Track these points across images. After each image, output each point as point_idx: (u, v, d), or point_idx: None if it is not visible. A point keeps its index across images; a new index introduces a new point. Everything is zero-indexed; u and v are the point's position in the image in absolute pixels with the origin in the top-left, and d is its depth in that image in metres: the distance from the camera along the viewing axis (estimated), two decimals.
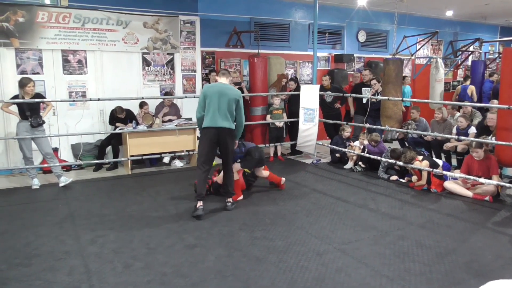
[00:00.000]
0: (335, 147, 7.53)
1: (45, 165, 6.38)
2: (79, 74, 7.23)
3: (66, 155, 7.24)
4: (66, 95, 7.12)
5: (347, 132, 7.49)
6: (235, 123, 5.02)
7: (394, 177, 6.42)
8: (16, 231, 4.39)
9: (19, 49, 6.70)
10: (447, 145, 6.67)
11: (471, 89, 9.65)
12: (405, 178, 6.36)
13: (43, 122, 6.02)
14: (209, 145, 4.87)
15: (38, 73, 6.81)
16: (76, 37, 7.07)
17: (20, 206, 5.24)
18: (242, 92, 7.84)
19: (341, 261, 3.68)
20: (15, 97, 5.94)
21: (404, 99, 7.23)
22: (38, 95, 6.08)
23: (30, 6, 6.64)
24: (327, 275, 3.43)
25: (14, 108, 6.00)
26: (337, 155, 7.49)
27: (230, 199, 5.13)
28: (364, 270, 3.51)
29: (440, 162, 6.24)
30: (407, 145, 7.10)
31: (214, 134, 4.83)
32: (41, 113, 6.06)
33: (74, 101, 7.05)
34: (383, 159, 6.43)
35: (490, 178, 5.35)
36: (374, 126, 6.96)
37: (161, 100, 7.58)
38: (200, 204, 4.82)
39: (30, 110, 5.88)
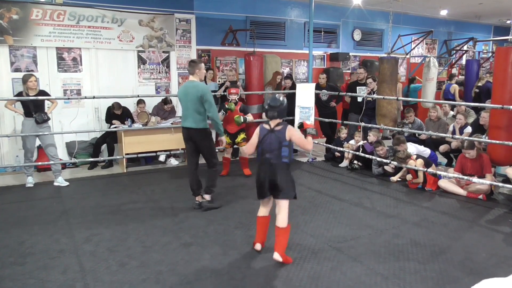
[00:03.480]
0: (330, 146, 7.56)
1: (40, 163, 6.35)
2: (74, 72, 7.20)
3: (61, 153, 7.17)
4: (61, 93, 7.08)
5: (343, 134, 7.53)
6: (209, 121, 4.92)
7: (391, 166, 6.40)
8: (10, 230, 4.36)
9: (13, 47, 6.65)
10: (442, 148, 6.77)
11: (454, 88, 9.74)
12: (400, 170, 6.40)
13: (48, 118, 6.00)
14: (187, 144, 5.01)
15: (32, 70, 6.76)
16: (71, 34, 7.03)
17: (14, 205, 5.21)
18: None
19: (336, 259, 3.70)
20: (19, 94, 5.91)
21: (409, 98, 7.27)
22: (43, 92, 6.04)
23: (24, 3, 6.59)
24: (322, 273, 3.44)
25: (18, 106, 5.98)
26: (336, 154, 7.50)
27: (207, 196, 5.11)
28: (359, 268, 3.53)
29: (427, 150, 6.32)
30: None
31: (186, 134, 4.94)
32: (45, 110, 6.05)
33: (69, 99, 7.02)
34: (378, 158, 6.45)
35: (483, 177, 5.39)
36: (370, 125, 6.98)
37: (161, 102, 7.54)
38: (196, 199, 5.05)
39: (35, 107, 5.86)
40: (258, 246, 3.85)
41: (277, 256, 3.55)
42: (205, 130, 4.91)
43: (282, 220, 3.62)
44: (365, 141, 7.03)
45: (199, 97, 4.71)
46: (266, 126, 3.68)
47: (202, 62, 5.09)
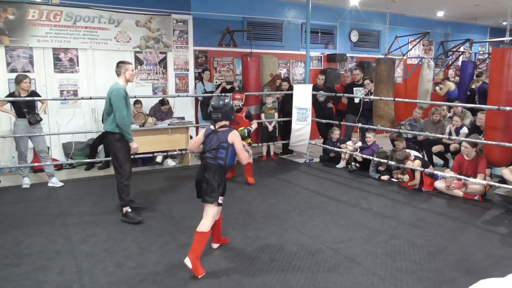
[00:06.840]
0: (328, 146, 7.57)
1: (37, 164, 6.33)
2: (70, 73, 7.18)
3: (58, 154, 7.18)
4: (58, 93, 7.06)
5: (335, 135, 7.54)
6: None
7: (386, 177, 6.46)
8: (6, 231, 4.34)
9: (9, 47, 6.63)
10: (435, 148, 6.81)
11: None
12: (394, 175, 6.41)
13: (41, 119, 5.98)
14: None
15: (28, 71, 6.73)
16: (68, 35, 7.01)
17: (10, 205, 5.19)
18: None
19: (334, 260, 3.70)
20: (10, 95, 5.88)
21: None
22: (34, 93, 6.03)
23: (20, 3, 6.56)
24: (319, 274, 3.44)
25: (8, 108, 5.95)
26: (331, 154, 7.52)
27: (124, 209, 4.69)
28: (356, 269, 3.53)
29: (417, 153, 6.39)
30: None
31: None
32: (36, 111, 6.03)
33: (65, 99, 6.99)
34: (375, 159, 6.47)
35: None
36: (367, 126, 6.99)
37: (158, 103, 7.52)
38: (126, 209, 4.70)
39: (27, 107, 5.84)
40: (214, 246, 3.94)
41: (187, 261, 3.39)
42: (112, 134, 4.62)
43: (202, 224, 3.49)
44: (361, 144, 7.05)
45: (108, 99, 4.64)
46: (212, 127, 3.66)
47: (130, 63, 4.82)
